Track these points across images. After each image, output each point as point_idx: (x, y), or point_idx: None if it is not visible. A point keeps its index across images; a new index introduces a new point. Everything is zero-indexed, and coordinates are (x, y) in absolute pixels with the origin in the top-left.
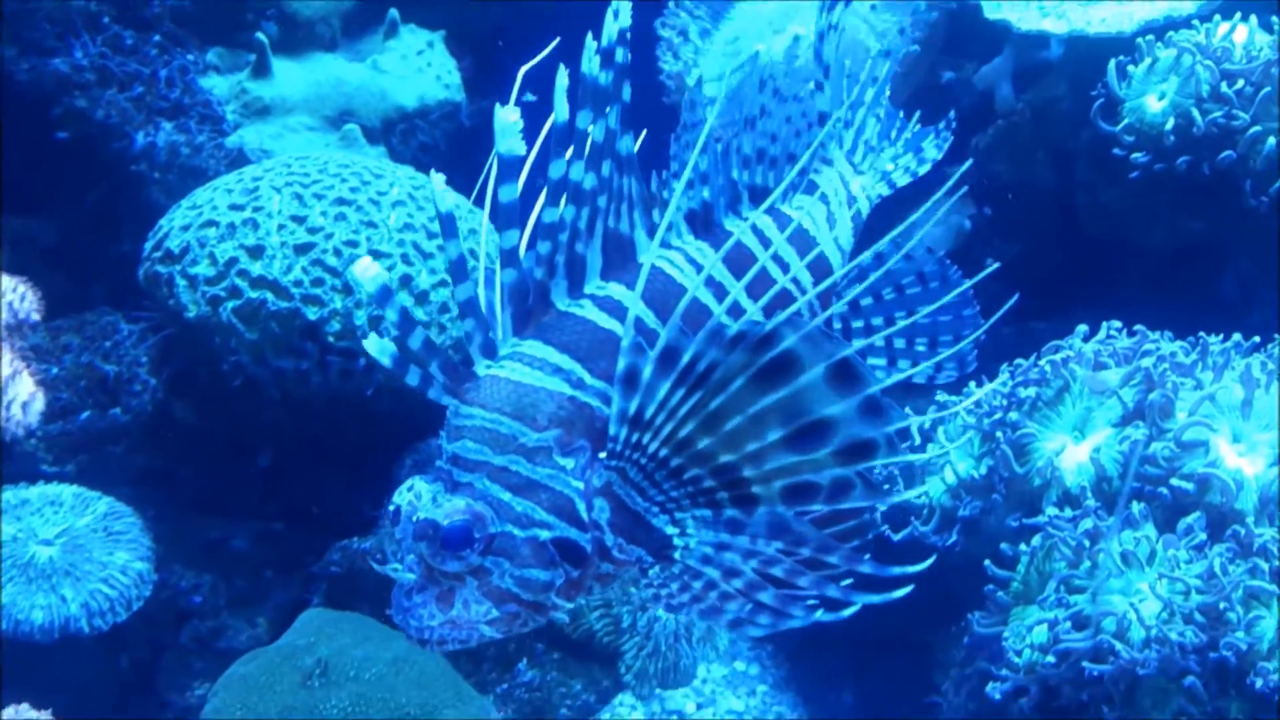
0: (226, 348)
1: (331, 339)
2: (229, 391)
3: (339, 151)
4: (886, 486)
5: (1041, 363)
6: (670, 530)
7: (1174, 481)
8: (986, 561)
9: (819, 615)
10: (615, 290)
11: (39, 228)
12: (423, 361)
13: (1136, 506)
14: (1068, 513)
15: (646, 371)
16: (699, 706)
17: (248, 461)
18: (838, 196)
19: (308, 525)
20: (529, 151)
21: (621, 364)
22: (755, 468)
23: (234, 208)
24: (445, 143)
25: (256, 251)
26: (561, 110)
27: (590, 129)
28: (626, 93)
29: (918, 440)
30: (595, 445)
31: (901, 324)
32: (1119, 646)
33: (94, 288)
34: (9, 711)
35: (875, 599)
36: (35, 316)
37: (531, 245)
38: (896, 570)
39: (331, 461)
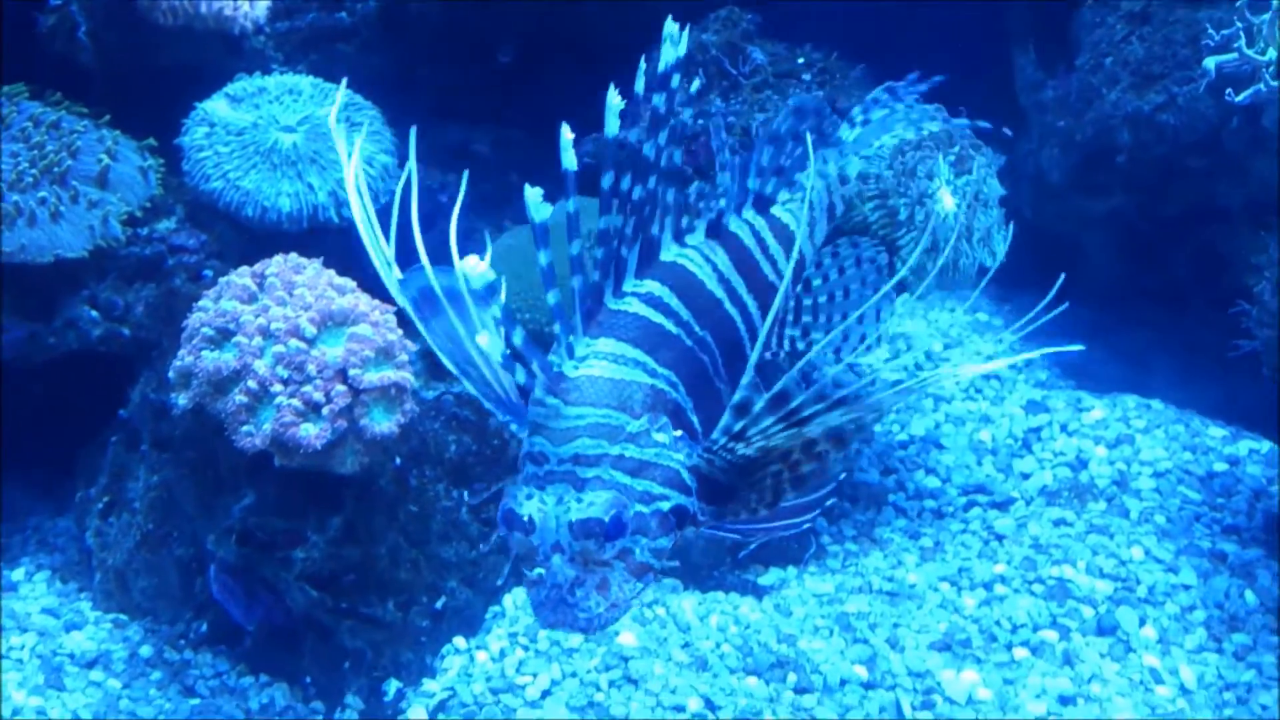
0: None
1: None
2: None
3: None
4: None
5: None
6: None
7: None
8: None
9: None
10: (653, 287)
11: None
12: (525, 357)
13: None
14: None
15: (758, 405)
16: (945, 347)
17: (488, 58)
18: (822, 200)
19: (549, 131)
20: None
21: (738, 396)
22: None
23: None
24: None
25: None
26: (611, 126)
27: (643, 146)
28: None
29: None
30: (671, 421)
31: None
32: None
33: None
34: (278, 257)
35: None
36: None
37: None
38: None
39: (575, 58)
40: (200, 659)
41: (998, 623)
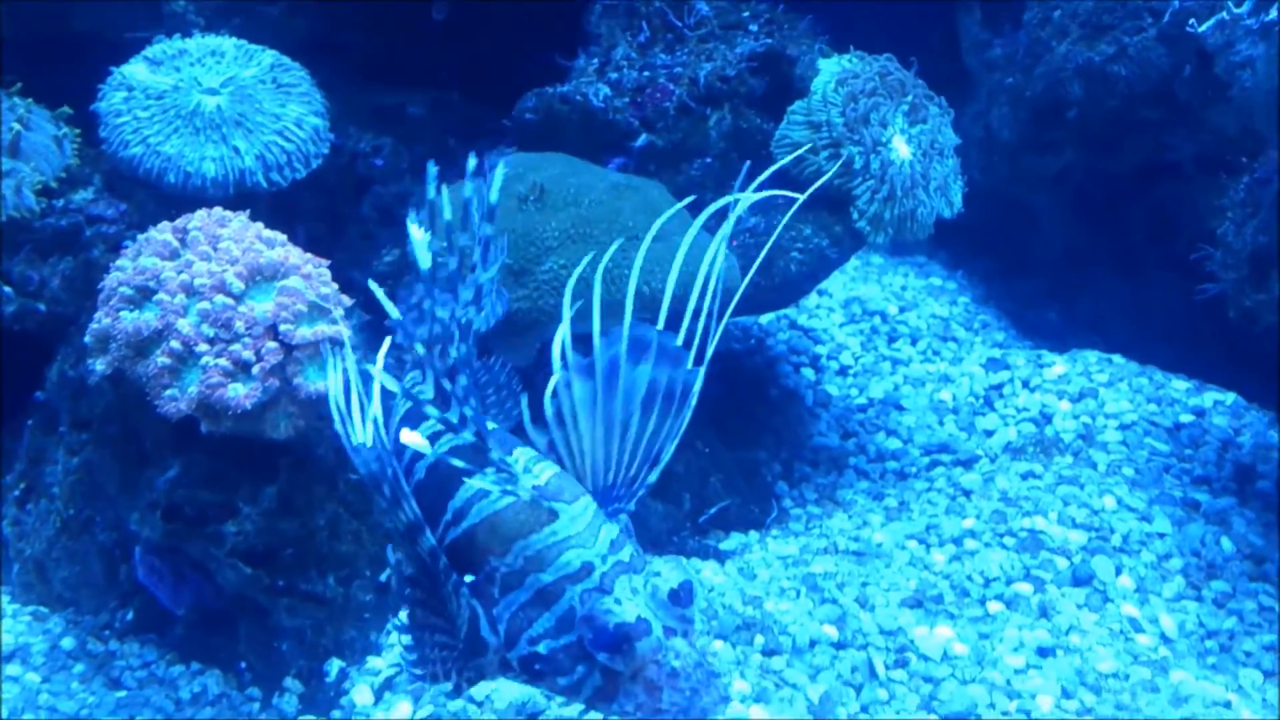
0: None
1: None
2: None
3: None
4: None
5: None
6: None
7: None
8: None
9: None
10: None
11: None
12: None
13: None
14: None
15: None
16: (901, 310)
17: (422, 18)
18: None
19: (486, 94)
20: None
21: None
22: None
23: None
24: None
25: None
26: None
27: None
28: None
29: None
30: None
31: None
32: None
33: None
34: (201, 211)
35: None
36: None
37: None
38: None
39: (511, 16)
40: (126, 649)
41: (969, 577)
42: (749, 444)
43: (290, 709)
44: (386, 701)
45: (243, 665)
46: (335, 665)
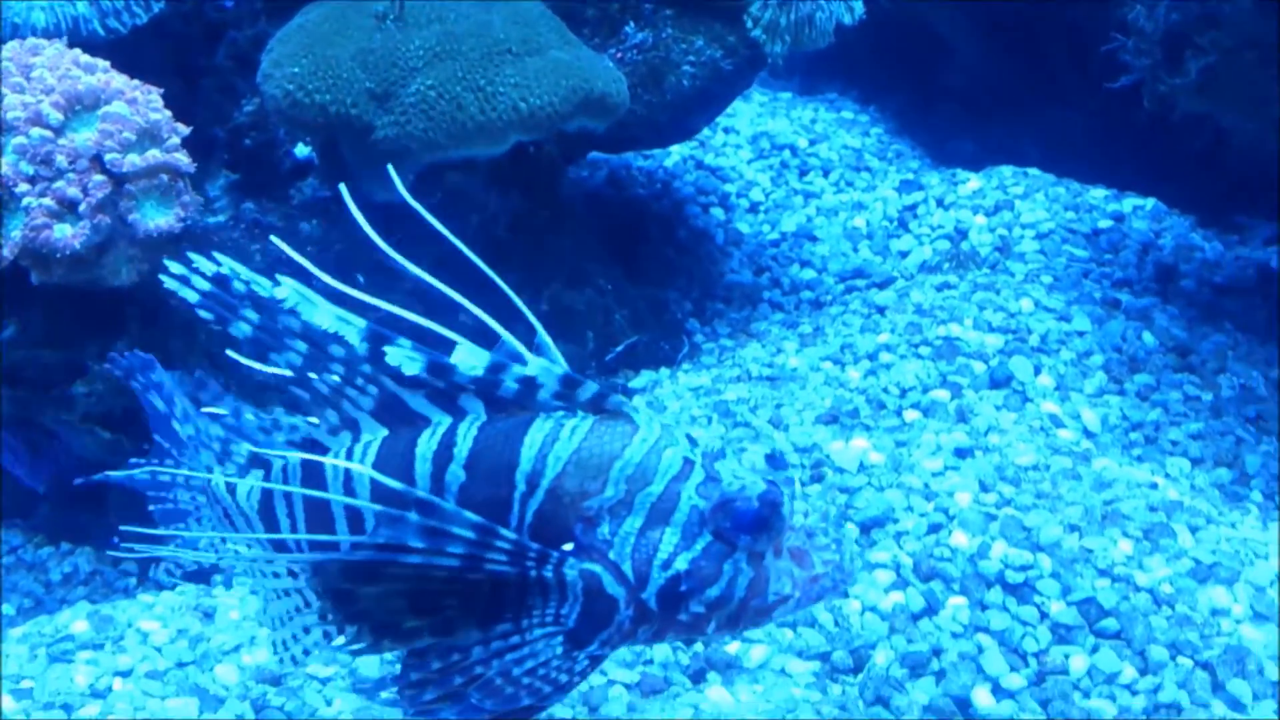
0: None
1: None
2: None
3: None
4: None
5: None
6: None
7: None
8: None
9: None
10: None
11: None
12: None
13: None
14: None
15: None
16: (811, 143)
17: None
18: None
19: None
20: None
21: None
22: None
23: None
24: None
25: None
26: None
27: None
28: None
29: None
30: None
31: None
32: None
33: None
34: (13, 41)
35: None
36: None
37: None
38: None
39: None
40: None
41: (885, 390)
42: (658, 284)
43: (168, 580)
44: None
45: (116, 540)
46: None
